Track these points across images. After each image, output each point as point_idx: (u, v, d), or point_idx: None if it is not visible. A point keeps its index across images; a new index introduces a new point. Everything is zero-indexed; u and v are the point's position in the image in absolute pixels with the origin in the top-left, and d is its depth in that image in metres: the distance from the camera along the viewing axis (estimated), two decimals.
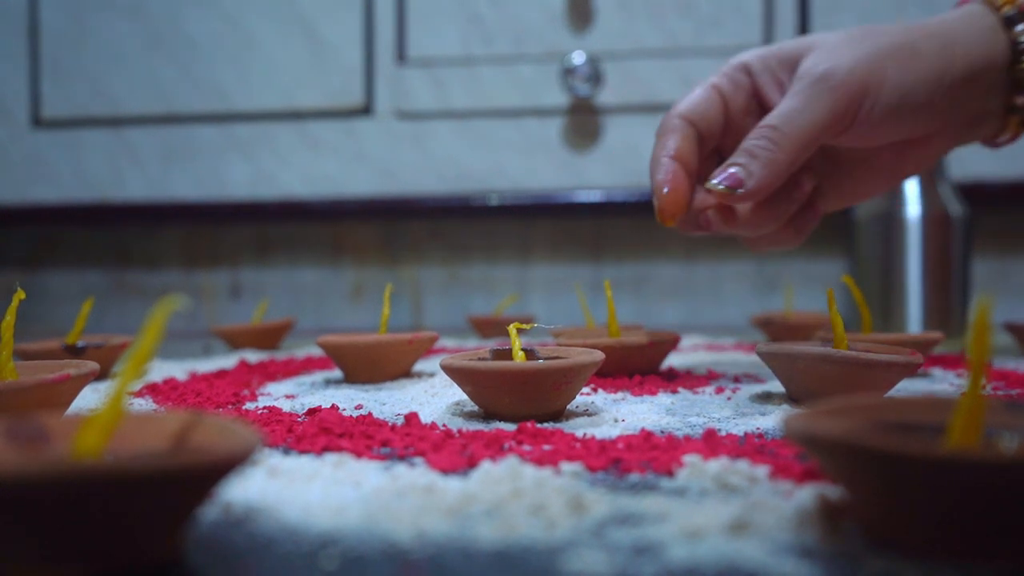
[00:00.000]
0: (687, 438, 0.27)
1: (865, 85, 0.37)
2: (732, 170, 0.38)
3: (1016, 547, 0.15)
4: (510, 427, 0.29)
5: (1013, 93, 0.40)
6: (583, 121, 0.95)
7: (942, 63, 0.38)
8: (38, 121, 1.03)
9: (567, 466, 0.23)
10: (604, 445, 0.25)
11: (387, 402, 0.37)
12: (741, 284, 0.98)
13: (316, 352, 0.59)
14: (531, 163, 0.96)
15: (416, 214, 0.99)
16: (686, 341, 0.66)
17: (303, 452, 0.26)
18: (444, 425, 0.30)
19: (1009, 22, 0.39)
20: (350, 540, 0.17)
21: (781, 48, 0.41)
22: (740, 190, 0.37)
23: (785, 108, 0.38)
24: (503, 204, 0.95)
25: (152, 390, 0.40)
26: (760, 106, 0.42)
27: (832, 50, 0.38)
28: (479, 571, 0.16)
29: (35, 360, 0.35)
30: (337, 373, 0.47)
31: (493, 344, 0.55)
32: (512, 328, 0.34)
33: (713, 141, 0.42)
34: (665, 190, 0.39)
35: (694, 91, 0.42)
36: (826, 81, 0.37)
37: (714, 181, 0.38)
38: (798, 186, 0.42)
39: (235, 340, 0.63)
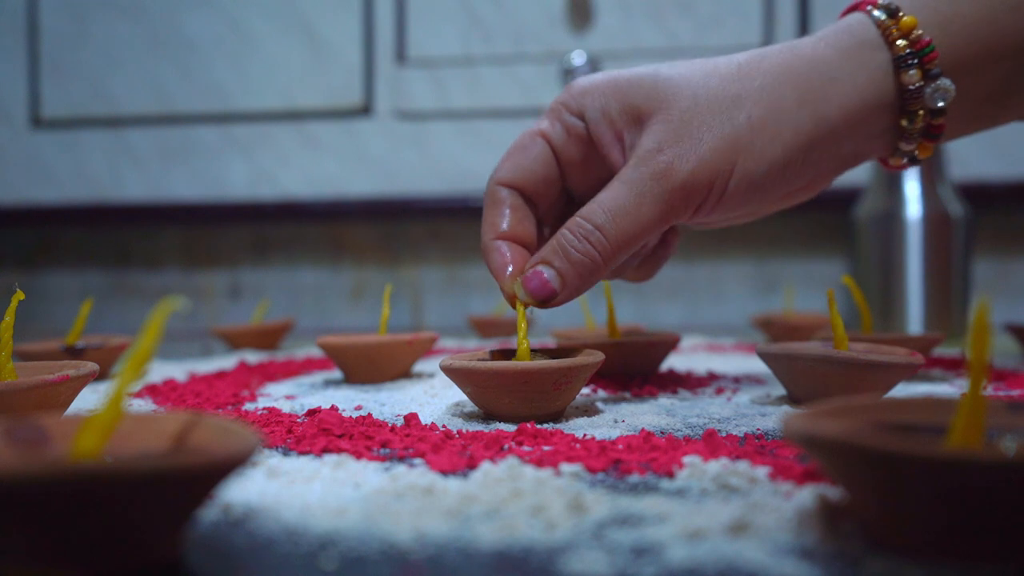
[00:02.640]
0: (687, 439, 0.27)
1: (711, 182, 0.32)
2: (542, 272, 0.32)
3: (1016, 547, 0.15)
4: (510, 428, 0.29)
5: (898, 139, 0.34)
6: None
7: (809, 132, 0.32)
8: (37, 121, 1.03)
9: (567, 467, 0.23)
10: (604, 446, 0.25)
11: (387, 403, 0.37)
12: (741, 284, 0.98)
13: (316, 353, 0.59)
14: None
15: (416, 214, 0.99)
16: (686, 341, 0.66)
17: (303, 453, 0.26)
18: (444, 426, 0.30)
19: (900, 63, 0.32)
20: (350, 541, 0.17)
21: (629, 88, 0.34)
22: (551, 300, 0.32)
23: (612, 201, 0.32)
24: None
25: (151, 391, 0.40)
26: (599, 156, 0.36)
27: (679, 129, 0.32)
28: (479, 572, 0.16)
29: (34, 361, 0.35)
30: (337, 374, 0.47)
31: (493, 344, 0.55)
32: (519, 307, 0.33)
33: (553, 189, 0.36)
34: (508, 273, 0.34)
35: (520, 143, 0.36)
36: (664, 181, 0.32)
37: (521, 291, 0.33)
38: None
39: (235, 341, 0.63)
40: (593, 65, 0.90)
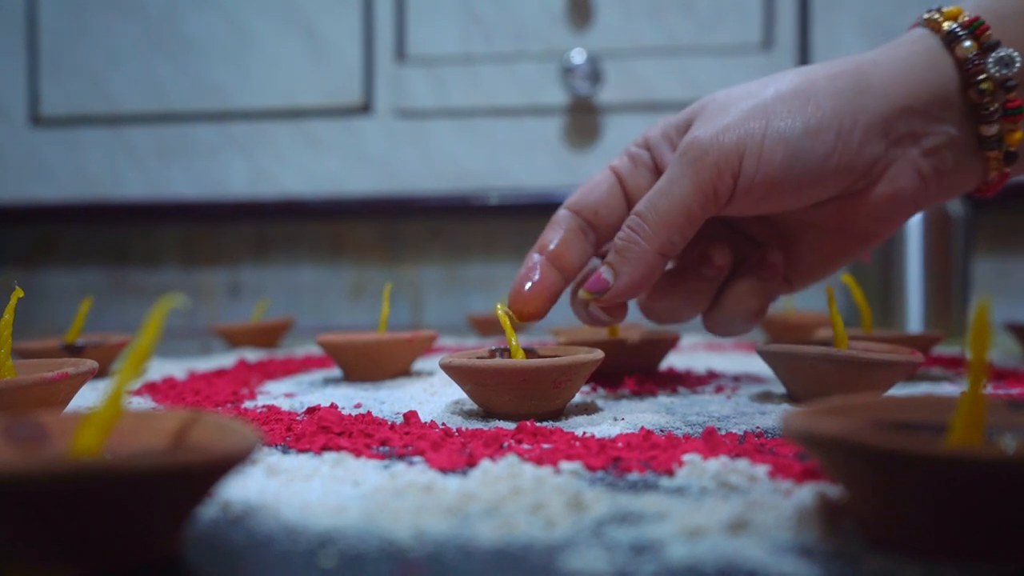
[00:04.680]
0: (687, 437, 0.27)
1: (738, 148, 0.32)
2: (600, 270, 0.34)
3: (1016, 547, 0.15)
4: (509, 426, 0.29)
5: (978, 123, 0.33)
6: (583, 120, 0.95)
7: (851, 102, 0.32)
8: (37, 119, 1.03)
9: (566, 465, 0.23)
10: (603, 444, 0.25)
11: (386, 401, 0.37)
12: None
13: (315, 351, 0.59)
14: (531, 162, 0.96)
15: (416, 212, 0.99)
16: (686, 341, 0.66)
17: (302, 451, 0.26)
18: (443, 424, 0.30)
19: (951, 39, 0.32)
20: (349, 539, 0.17)
21: (682, 114, 0.36)
22: (606, 293, 0.34)
23: (651, 190, 0.34)
24: (503, 203, 0.95)
25: (151, 389, 0.40)
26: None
27: (712, 115, 0.33)
28: (478, 570, 0.15)
29: (34, 358, 0.35)
30: (336, 372, 0.47)
31: (493, 343, 0.55)
32: (500, 312, 0.34)
33: (616, 215, 0.38)
34: (527, 287, 0.36)
35: (593, 177, 0.39)
36: (688, 152, 0.33)
37: (585, 293, 0.35)
38: (708, 262, 0.36)
39: (234, 339, 0.63)
40: (593, 64, 0.90)
